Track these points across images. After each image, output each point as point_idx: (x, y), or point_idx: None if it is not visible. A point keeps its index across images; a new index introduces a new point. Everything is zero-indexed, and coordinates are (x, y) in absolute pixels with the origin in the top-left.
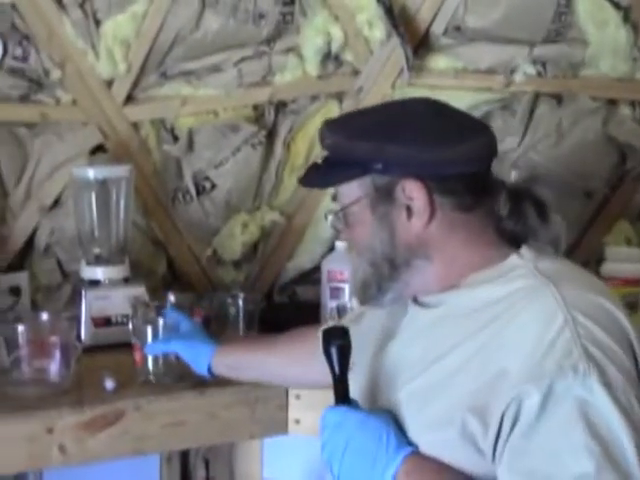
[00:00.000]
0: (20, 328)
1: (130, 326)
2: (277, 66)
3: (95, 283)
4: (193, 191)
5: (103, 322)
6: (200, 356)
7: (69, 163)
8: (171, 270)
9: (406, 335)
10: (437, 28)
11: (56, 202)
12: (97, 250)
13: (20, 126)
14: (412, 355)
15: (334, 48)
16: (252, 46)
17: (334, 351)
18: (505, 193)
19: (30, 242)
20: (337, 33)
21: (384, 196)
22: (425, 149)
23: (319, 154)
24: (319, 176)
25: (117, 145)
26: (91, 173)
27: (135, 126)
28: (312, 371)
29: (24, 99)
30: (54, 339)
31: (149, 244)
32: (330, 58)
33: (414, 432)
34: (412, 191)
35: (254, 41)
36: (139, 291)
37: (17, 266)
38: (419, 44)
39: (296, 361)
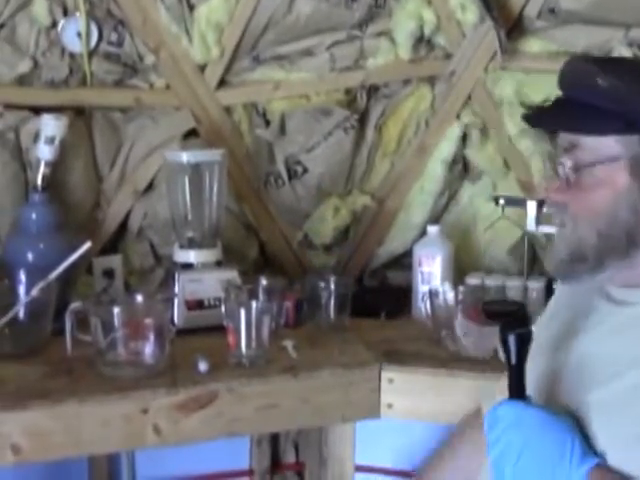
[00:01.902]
0: (116, 310)
1: (223, 309)
2: (369, 50)
3: (188, 266)
4: (285, 175)
5: (196, 305)
6: None
7: (162, 147)
8: (262, 254)
9: (597, 333)
10: (531, 11)
11: (150, 186)
12: (190, 234)
13: (115, 111)
14: (605, 355)
15: (426, 32)
16: (344, 30)
17: (512, 340)
18: None
19: (124, 225)
20: (429, 17)
21: None
22: None
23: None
24: (567, 117)
25: (210, 129)
26: (184, 157)
27: (227, 110)
28: None
29: (119, 84)
30: (149, 321)
31: (241, 228)
32: (422, 42)
33: (603, 442)
34: None
35: (346, 25)
36: (232, 275)
37: (111, 249)
38: (512, 27)
39: None
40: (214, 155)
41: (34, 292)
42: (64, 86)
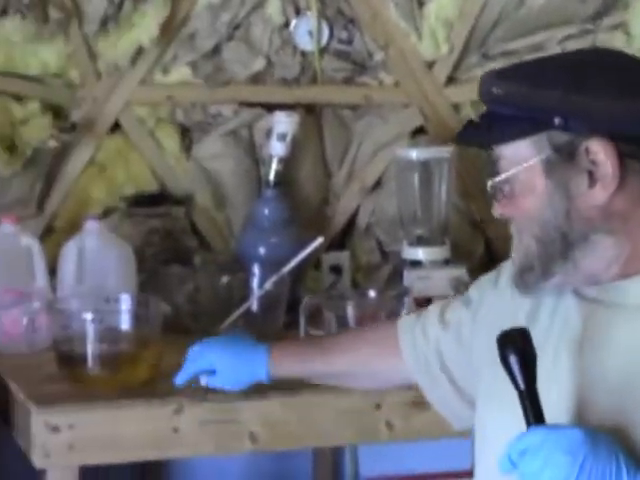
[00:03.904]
0: (349, 305)
1: None
2: (603, 44)
3: (416, 264)
4: None
5: (425, 302)
6: (254, 362)
7: (391, 145)
8: (488, 251)
9: (596, 342)
10: None
11: (377, 183)
12: (418, 231)
13: (344, 108)
14: (621, 367)
15: None
16: (577, 23)
17: (515, 360)
18: None
19: (352, 222)
20: None
21: (562, 158)
22: (619, 101)
23: None
24: (481, 133)
25: (437, 126)
26: (414, 154)
27: (456, 107)
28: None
29: (348, 81)
30: (382, 317)
31: (467, 225)
32: None
33: None
34: (598, 153)
35: (579, 18)
36: (460, 272)
37: (338, 245)
38: None
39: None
40: (443, 152)
41: (268, 285)
42: (296, 84)
